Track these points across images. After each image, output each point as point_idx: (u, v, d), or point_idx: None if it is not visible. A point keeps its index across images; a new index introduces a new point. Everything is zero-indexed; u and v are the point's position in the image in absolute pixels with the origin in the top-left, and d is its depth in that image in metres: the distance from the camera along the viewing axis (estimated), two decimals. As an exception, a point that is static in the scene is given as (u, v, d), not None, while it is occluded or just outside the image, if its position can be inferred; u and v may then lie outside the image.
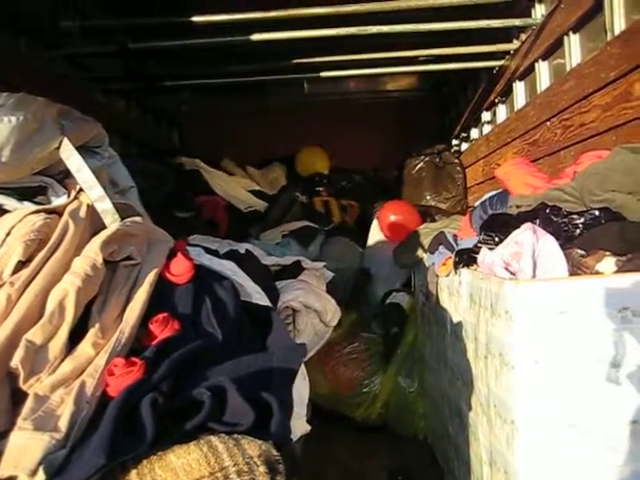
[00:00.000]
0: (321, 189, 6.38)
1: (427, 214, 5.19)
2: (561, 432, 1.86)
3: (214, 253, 2.48)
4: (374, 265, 5.02)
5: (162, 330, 1.30)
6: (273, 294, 3.17)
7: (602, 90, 2.87)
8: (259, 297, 2.05)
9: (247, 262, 2.99)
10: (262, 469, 1.05)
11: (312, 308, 3.50)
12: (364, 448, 3.87)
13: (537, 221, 2.21)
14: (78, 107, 1.79)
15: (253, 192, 5.63)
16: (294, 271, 3.53)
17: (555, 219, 2.22)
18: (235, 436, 1.10)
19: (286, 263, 3.49)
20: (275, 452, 1.08)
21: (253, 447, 1.07)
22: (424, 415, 3.90)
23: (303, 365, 2.17)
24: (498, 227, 2.32)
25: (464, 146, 6.17)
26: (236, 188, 5.73)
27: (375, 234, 5.19)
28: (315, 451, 3.73)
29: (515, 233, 2.14)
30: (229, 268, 2.19)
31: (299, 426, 2.04)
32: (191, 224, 4.25)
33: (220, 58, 4.69)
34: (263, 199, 5.51)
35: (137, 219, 1.54)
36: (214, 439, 1.08)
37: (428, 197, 5.69)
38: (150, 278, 1.38)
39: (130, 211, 1.64)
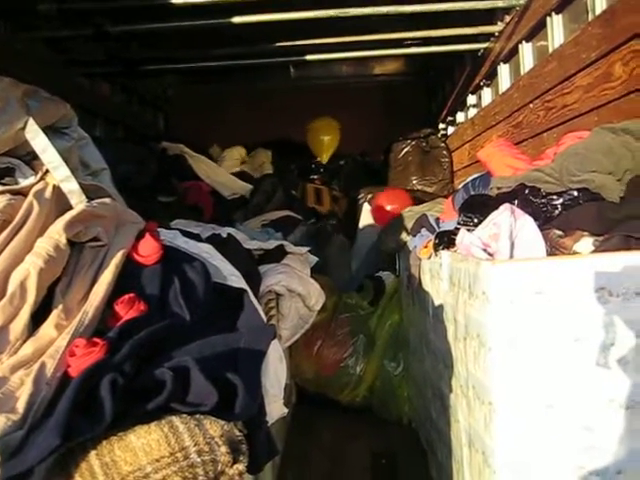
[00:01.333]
0: (316, 177, 6.37)
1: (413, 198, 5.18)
2: (538, 413, 1.85)
3: (195, 237, 2.46)
4: (362, 251, 5.03)
5: (127, 311, 1.28)
6: (255, 278, 3.16)
7: (583, 71, 2.86)
8: (235, 280, 2.04)
9: (228, 246, 2.98)
10: (223, 449, 1.03)
11: (295, 292, 3.49)
12: (349, 431, 3.88)
13: (516, 202, 2.20)
14: (61, 91, 1.77)
15: (239, 174, 5.61)
16: (277, 255, 3.52)
17: (534, 200, 2.21)
18: (197, 416, 1.08)
19: (269, 247, 3.48)
20: (238, 433, 1.07)
21: (215, 427, 1.06)
22: (409, 399, 3.91)
23: (280, 348, 2.16)
24: (477, 208, 2.32)
25: (450, 130, 6.15)
26: (221, 173, 5.72)
27: (365, 220, 5.20)
28: (300, 434, 3.75)
29: (494, 214, 2.13)
30: (206, 251, 2.18)
31: (276, 409, 2.03)
32: (174, 209, 4.23)
33: (204, 41, 4.64)
34: (248, 181, 5.49)
35: (106, 200, 1.52)
36: (175, 419, 1.07)
37: (414, 181, 5.68)
38: (117, 259, 1.36)
39: (100, 192, 1.61)
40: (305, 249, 3.61)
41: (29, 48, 3.71)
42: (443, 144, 5.78)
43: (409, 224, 3.59)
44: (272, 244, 3.55)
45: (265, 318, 2.23)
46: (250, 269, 3.01)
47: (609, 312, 1.85)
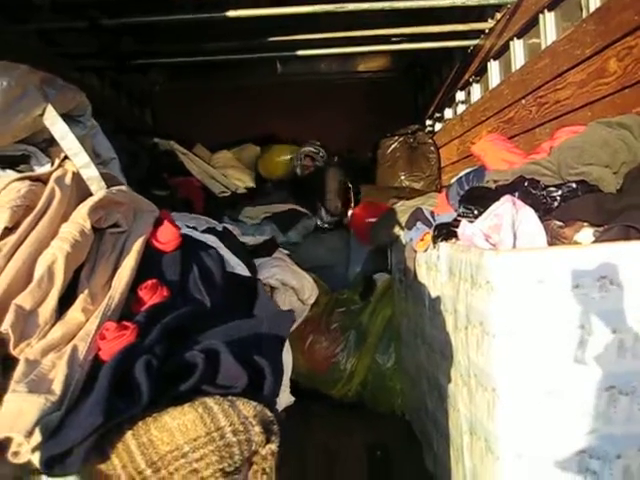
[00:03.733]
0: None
1: (401, 195, 5.20)
2: (540, 399, 1.89)
3: (193, 229, 2.47)
4: (357, 251, 5.05)
5: (151, 296, 1.29)
6: (252, 270, 3.17)
7: (577, 67, 2.90)
8: (241, 269, 2.06)
9: (226, 238, 2.99)
10: (257, 429, 1.05)
11: (289, 285, 3.50)
12: (342, 426, 3.90)
13: (516, 194, 2.24)
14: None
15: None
16: (269, 249, 3.53)
17: (533, 192, 2.24)
18: (230, 398, 1.10)
19: (259, 242, 3.51)
20: (269, 413, 1.09)
21: (248, 408, 1.08)
22: (401, 392, 3.94)
23: (286, 337, 2.18)
24: (477, 200, 2.35)
25: (438, 126, 6.19)
26: (211, 170, 5.73)
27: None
28: (294, 429, 3.75)
29: (494, 206, 2.16)
30: (212, 241, 2.19)
31: (283, 398, 2.06)
32: (167, 202, 4.23)
33: (194, 36, 4.64)
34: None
35: (122, 188, 1.52)
36: (209, 400, 1.09)
37: (402, 177, 5.72)
38: (138, 245, 1.38)
39: (114, 181, 1.62)
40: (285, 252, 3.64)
41: (19, 40, 3.68)
42: (430, 140, 5.82)
43: (402, 218, 3.63)
44: (260, 239, 3.58)
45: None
46: (247, 261, 3.02)
47: (610, 300, 1.89)
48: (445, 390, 2.61)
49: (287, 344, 2.15)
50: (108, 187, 1.54)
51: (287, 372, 2.11)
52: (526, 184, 2.28)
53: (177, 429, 1.04)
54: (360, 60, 6.71)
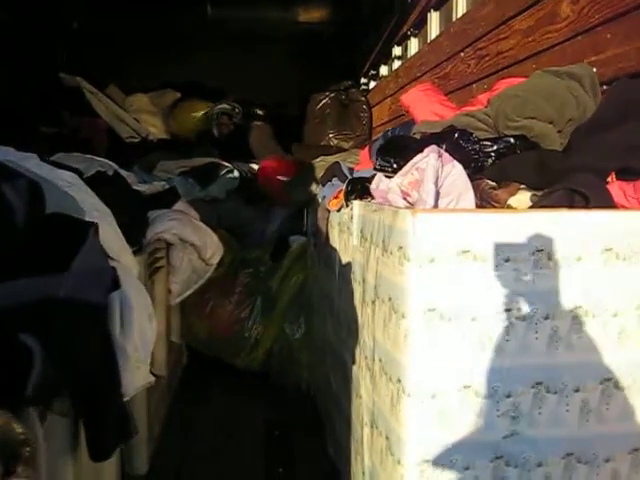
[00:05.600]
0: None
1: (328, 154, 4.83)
2: (453, 395, 1.55)
3: (74, 171, 2.04)
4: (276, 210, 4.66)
5: None
6: (141, 222, 2.79)
7: (525, 13, 2.56)
8: (97, 215, 1.64)
9: (113, 185, 2.61)
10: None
11: (189, 242, 3.13)
12: (242, 399, 3.55)
13: (444, 146, 1.86)
14: None
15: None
16: (168, 199, 3.15)
17: (464, 145, 1.88)
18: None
19: (157, 190, 3.12)
20: (19, 429, 0.68)
21: (-19, 420, 0.67)
22: (308, 365, 3.59)
23: (150, 304, 1.78)
24: (398, 151, 1.96)
25: (373, 85, 5.82)
26: (121, 113, 5.27)
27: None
28: (187, 401, 3.39)
29: (417, 158, 1.78)
30: (65, 179, 1.77)
31: (141, 376, 1.66)
32: (58, 141, 3.77)
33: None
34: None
35: None
36: None
37: (331, 135, 5.35)
38: None
39: None
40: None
41: None
42: (363, 98, 5.47)
43: (320, 174, 3.24)
44: (158, 186, 3.19)
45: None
46: (135, 212, 2.63)
47: (545, 279, 1.56)
48: (349, 371, 2.26)
49: (149, 307, 1.75)
50: None
51: (148, 344, 1.72)
52: (456, 135, 1.91)
53: None
54: (299, 10, 6.25)
